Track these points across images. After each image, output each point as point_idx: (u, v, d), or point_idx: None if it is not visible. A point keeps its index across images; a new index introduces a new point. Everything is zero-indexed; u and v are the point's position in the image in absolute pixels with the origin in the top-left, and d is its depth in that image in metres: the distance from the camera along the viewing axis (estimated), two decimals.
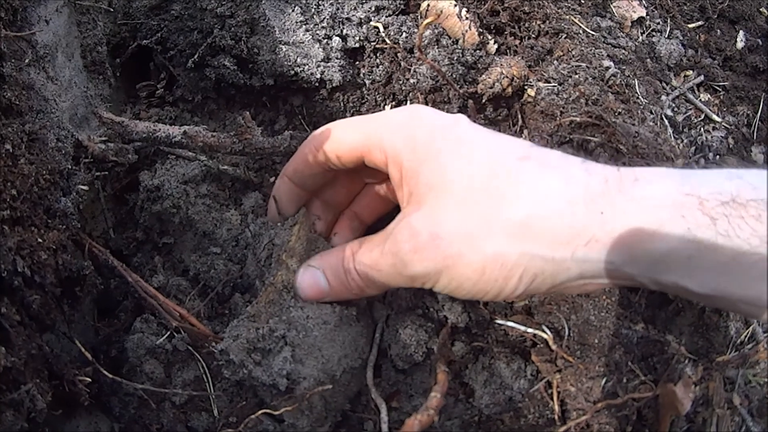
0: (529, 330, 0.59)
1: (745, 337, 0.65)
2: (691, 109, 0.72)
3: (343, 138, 0.51)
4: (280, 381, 0.53)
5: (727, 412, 0.58)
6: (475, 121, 0.66)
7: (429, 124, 0.48)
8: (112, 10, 0.70)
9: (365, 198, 0.60)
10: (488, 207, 0.43)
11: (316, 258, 0.55)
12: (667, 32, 0.76)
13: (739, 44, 0.81)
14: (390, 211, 0.61)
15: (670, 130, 0.69)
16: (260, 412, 0.55)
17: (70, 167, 0.57)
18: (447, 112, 0.66)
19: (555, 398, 0.58)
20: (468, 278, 0.44)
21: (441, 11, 0.61)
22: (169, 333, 0.61)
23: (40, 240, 0.53)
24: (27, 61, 0.60)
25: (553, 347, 0.58)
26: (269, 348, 0.54)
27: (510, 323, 0.59)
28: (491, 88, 0.64)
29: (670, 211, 0.39)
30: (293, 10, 0.67)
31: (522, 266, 0.43)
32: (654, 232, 0.39)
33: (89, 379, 0.54)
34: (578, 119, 0.62)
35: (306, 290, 0.54)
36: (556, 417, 0.58)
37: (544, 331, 0.59)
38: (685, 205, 0.39)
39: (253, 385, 0.55)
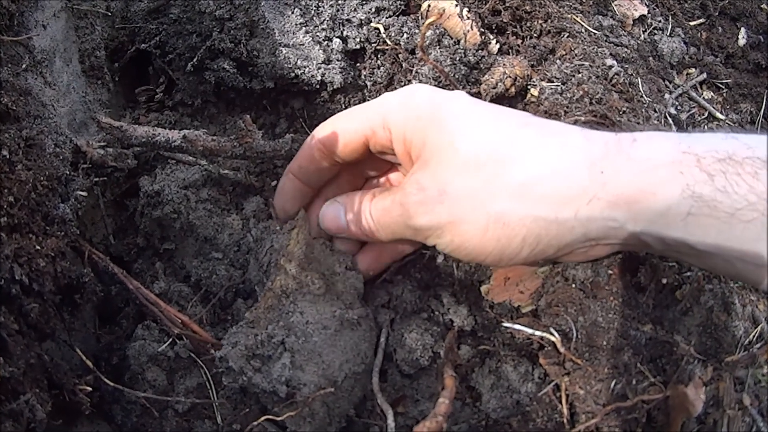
0: (537, 333, 0.58)
1: (753, 336, 0.64)
2: (694, 107, 0.72)
3: (347, 126, 0.53)
4: (280, 388, 0.52)
5: (738, 412, 0.57)
6: None
7: (430, 97, 0.51)
8: (110, 14, 0.69)
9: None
10: (492, 169, 0.46)
11: (342, 196, 0.57)
12: (669, 30, 0.76)
13: (741, 41, 0.80)
14: None
15: (674, 128, 0.68)
16: (263, 418, 0.54)
17: (68, 173, 0.56)
18: None
19: (564, 401, 0.58)
20: (471, 237, 0.47)
21: (443, 11, 0.60)
22: (171, 340, 0.60)
23: (38, 247, 0.52)
24: (24, 66, 0.59)
25: (561, 350, 0.57)
26: (268, 354, 0.53)
27: (517, 326, 0.58)
28: (494, 88, 0.63)
29: (669, 169, 0.40)
30: (293, 12, 0.66)
31: (525, 227, 0.45)
32: (654, 189, 0.41)
33: (90, 388, 0.53)
34: (583, 118, 0.61)
35: (327, 222, 0.57)
36: (565, 420, 0.57)
37: (551, 333, 0.58)
38: (683, 162, 0.40)
39: (255, 392, 0.54)
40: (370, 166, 0.60)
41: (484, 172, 0.46)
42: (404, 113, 0.51)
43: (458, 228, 0.47)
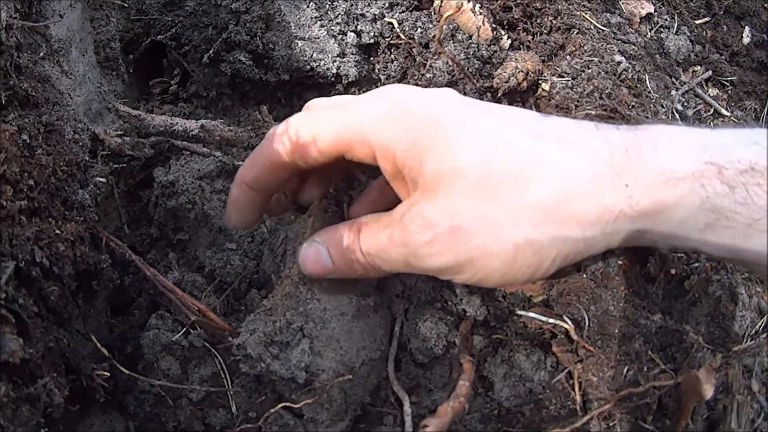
0: (550, 320, 0.59)
1: (760, 326, 0.65)
2: (700, 103, 0.73)
3: (319, 133, 0.46)
4: (299, 374, 0.52)
5: (748, 397, 0.58)
6: None
7: (418, 108, 0.44)
8: (125, 5, 0.70)
9: (372, 193, 0.58)
10: (511, 193, 0.41)
11: (321, 233, 0.51)
12: (675, 28, 0.77)
13: (745, 40, 0.82)
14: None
15: (681, 124, 0.69)
16: (279, 405, 0.54)
17: (87, 159, 0.57)
18: None
19: (576, 388, 0.58)
20: (496, 269, 0.43)
21: (461, 5, 0.61)
22: (185, 329, 0.60)
23: (57, 231, 0.52)
24: (42, 54, 0.60)
25: (574, 337, 0.58)
26: (287, 341, 0.53)
27: (531, 314, 0.59)
28: (507, 82, 0.64)
29: (691, 182, 0.40)
30: (308, 6, 0.67)
31: (555, 249, 0.42)
32: (675, 201, 0.40)
33: (107, 374, 0.53)
34: (593, 112, 0.63)
35: (309, 266, 0.51)
36: (578, 407, 0.58)
37: (564, 321, 0.59)
38: (705, 174, 0.39)
39: (271, 380, 0.54)
40: (344, 167, 0.53)
41: (502, 197, 0.41)
42: (390, 132, 0.43)
43: (480, 263, 0.42)
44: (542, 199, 0.41)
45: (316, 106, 0.52)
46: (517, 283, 0.45)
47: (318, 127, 0.46)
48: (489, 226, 0.41)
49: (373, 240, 0.46)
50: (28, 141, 0.52)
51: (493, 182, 0.41)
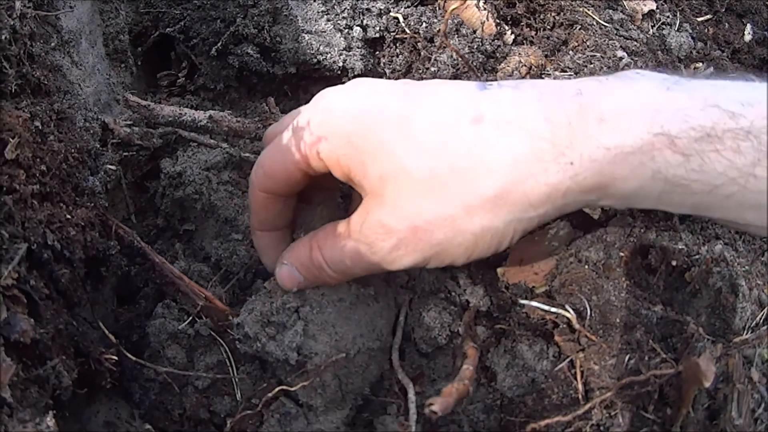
0: (552, 309, 0.59)
1: (761, 318, 0.66)
2: None
3: (278, 171, 0.48)
4: (291, 354, 0.53)
5: (748, 386, 0.59)
6: None
7: (354, 110, 0.44)
8: None
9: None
10: (459, 186, 0.42)
11: (287, 253, 0.52)
12: (677, 25, 0.78)
13: (747, 37, 0.83)
14: None
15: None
16: (277, 389, 0.55)
17: (98, 147, 0.57)
18: None
19: (578, 377, 0.59)
20: (461, 254, 0.45)
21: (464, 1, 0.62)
22: (191, 318, 0.61)
23: (68, 216, 0.53)
24: (53, 44, 0.61)
25: (576, 326, 0.59)
26: (282, 322, 0.54)
27: (534, 303, 0.60)
28: (510, 76, 0.65)
29: (640, 156, 0.38)
30: (315, 1, 0.68)
31: (511, 229, 0.43)
32: (625, 175, 0.40)
33: (116, 358, 0.54)
34: None
35: (286, 284, 0.53)
36: (580, 396, 0.59)
37: (567, 310, 0.59)
38: (656, 146, 0.38)
39: (268, 361, 0.55)
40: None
41: (452, 191, 0.42)
42: (330, 140, 0.44)
43: (445, 254, 0.44)
44: (490, 188, 0.41)
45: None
46: (479, 258, 0.46)
47: (279, 161, 0.48)
48: (446, 221, 0.42)
49: (338, 253, 0.47)
50: (40, 127, 0.53)
51: (440, 178, 0.42)
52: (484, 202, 0.42)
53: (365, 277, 0.58)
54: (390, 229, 0.43)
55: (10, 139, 0.49)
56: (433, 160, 0.42)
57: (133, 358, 0.57)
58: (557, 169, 0.40)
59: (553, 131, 0.40)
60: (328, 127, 0.44)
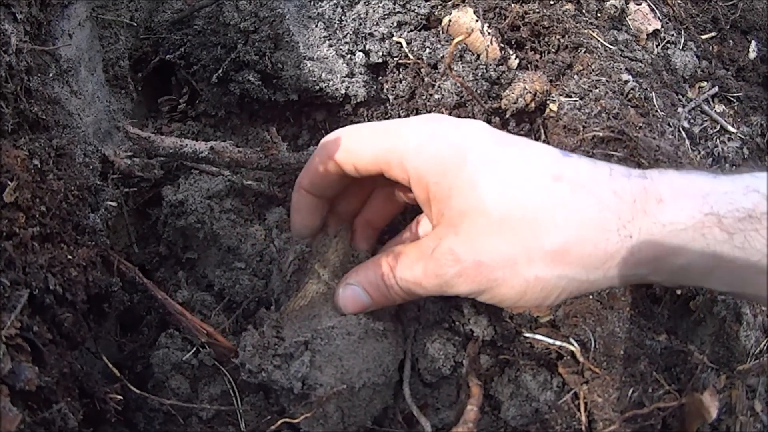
0: (557, 342, 0.59)
1: (765, 346, 0.66)
2: (707, 120, 0.74)
3: (360, 150, 0.52)
4: (296, 384, 0.53)
5: (750, 419, 0.59)
6: None
7: (453, 142, 0.49)
8: (134, 24, 0.70)
9: (376, 203, 0.61)
10: (527, 234, 0.45)
11: (353, 274, 0.56)
12: (682, 44, 0.77)
13: (752, 54, 0.82)
14: (399, 213, 0.63)
15: (687, 143, 0.70)
16: (280, 421, 0.55)
17: (98, 183, 0.57)
18: None
19: (582, 409, 0.59)
20: (509, 297, 0.47)
21: (471, 30, 0.61)
22: (194, 348, 0.61)
23: (70, 257, 0.52)
24: (51, 75, 0.60)
25: (580, 359, 0.59)
26: (290, 353, 0.54)
27: (538, 336, 0.60)
28: (515, 103, 0.65)
29: (692, 232, 0.43)
30: (316, 26, 0.67)
31: (560, 288, 0.46)
32: (677, 251, 0.44)
33: (120, 397, 0.54)
34: (601, 134, 0.63)
35: (349, 306, 0.56)
36: (584, 428, 0.59)
37: (571, 342, 0.59)
38: (705, 224, 0.43)
39: (273, 389, 0.55)
40: (382, 182, 0.57)
41: (519, 237, 0.46)
42: (426, 162, 0.49)
43: (497, 291, 0.48)
44: (554, 244, 0.45)
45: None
46: (523, 309, 0.51)
47: (361, 144, 0.52)
48: (507, 262, 0.46)
49: (409, 272, 0.51)
50: (39, 166, 0.53)
51: (512, 223, 0.46)
52: (545, 253, 0.45)
53: (376, 312, 0.58)
54: (458, 257, 0.47)
55: (9, 182, 0.48)
56: (509, 205, 0.46)
57: (137, 391, 0.57)
58: (617, 239, 0.44)
59: (619, 205, 0.45)
60: (428, 149, 0.49)
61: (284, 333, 0.56)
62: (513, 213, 0.46)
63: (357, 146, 0.52)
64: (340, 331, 0.55)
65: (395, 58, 0.68)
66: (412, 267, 0.50)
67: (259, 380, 0.55)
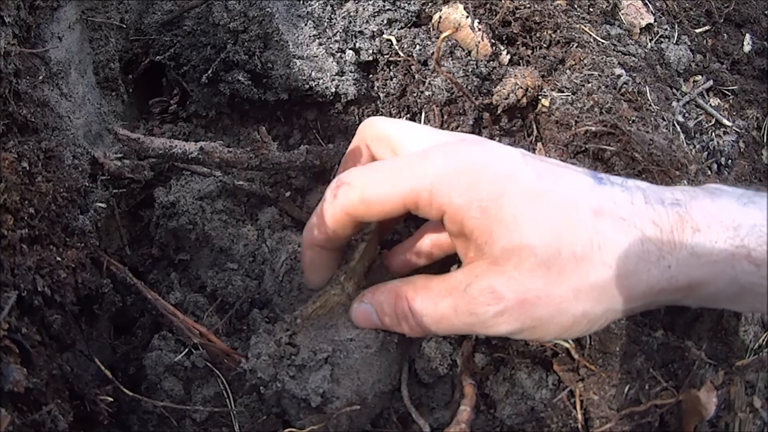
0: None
1: (764, 341, 0.65)
2: (701, 114, 0.73)
3: (383, 198, 0.47)
4: (314, 398, 0.52)
5: (750, 415, 0.58)
6: (491, 134, 0.66)
7: (490, 174, 0.46)
8: (124, 26, 0.70)
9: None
10: (576, 271, 0.45)
11: (368, 293, 0.54)
12: (675, 38, 0.77)
13: (746, 48, 0.82)
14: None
15: (682, 136, 0.69)
16: (287, 431, 0.54)
17: (87, 185, 0.57)
18: (462, 124, 0.66)
19: (578, 407, 0.58)
20: (554, 332, 0.48)
21: (459, 24, 0.61)
22: (187, 350, 0.61)
23: (59, 259, 0.52)
24: (41, 78, 0.60)
25: (575, 356, 0.58)
26: (308, 365, 0.53)
27: None
28: (506, 99, 0.64)
29: (723, 264, 0.45)
30: (306, 25, 0.67)
31: (604, 318, 0.47)
32: (710, 281, 0.46)
33: (111, 399, 0.54)
34: (593, 128, 0.62)
35: (360, 323, 0.55)
36: (580, 426, 0.58)
37: (565, 340, 0.59)
38: (736, 256, 0.45)
39: (283, 398, 0.54)
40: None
41: (565, 275, 0.45)
42: (461, 196, 0.45)
43: (541, 329, 0.47)
44: (601, 281, 0.45)
45: (378, 138, 0.54)
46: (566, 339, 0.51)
47: (382, 189, 0.47)
48: (554, 300, 0.45)
49: (431, 307, 0.49)
50: (28, 168, 0.53)
51: (561, 261, 0.45)
52: (592, 289, 0.45)
53: None
54: (501, 296, 0.45)
55: None
56: (555, 243, 0.45)
57: (130, 394, 0.57)
58: (658, 271, 0.45)
59: (659, 236, 0.46)
60: (461, 181, 0.46)
61: (298, 340, 0.54)
62: (559, 251, 0.45)
63: (378, 195, 0.47)
64: (358, 344, 0.54)
65: (386, 56, 0.68)
66: (437, 303, 0.48)
67: (273, 390, 0.53)
